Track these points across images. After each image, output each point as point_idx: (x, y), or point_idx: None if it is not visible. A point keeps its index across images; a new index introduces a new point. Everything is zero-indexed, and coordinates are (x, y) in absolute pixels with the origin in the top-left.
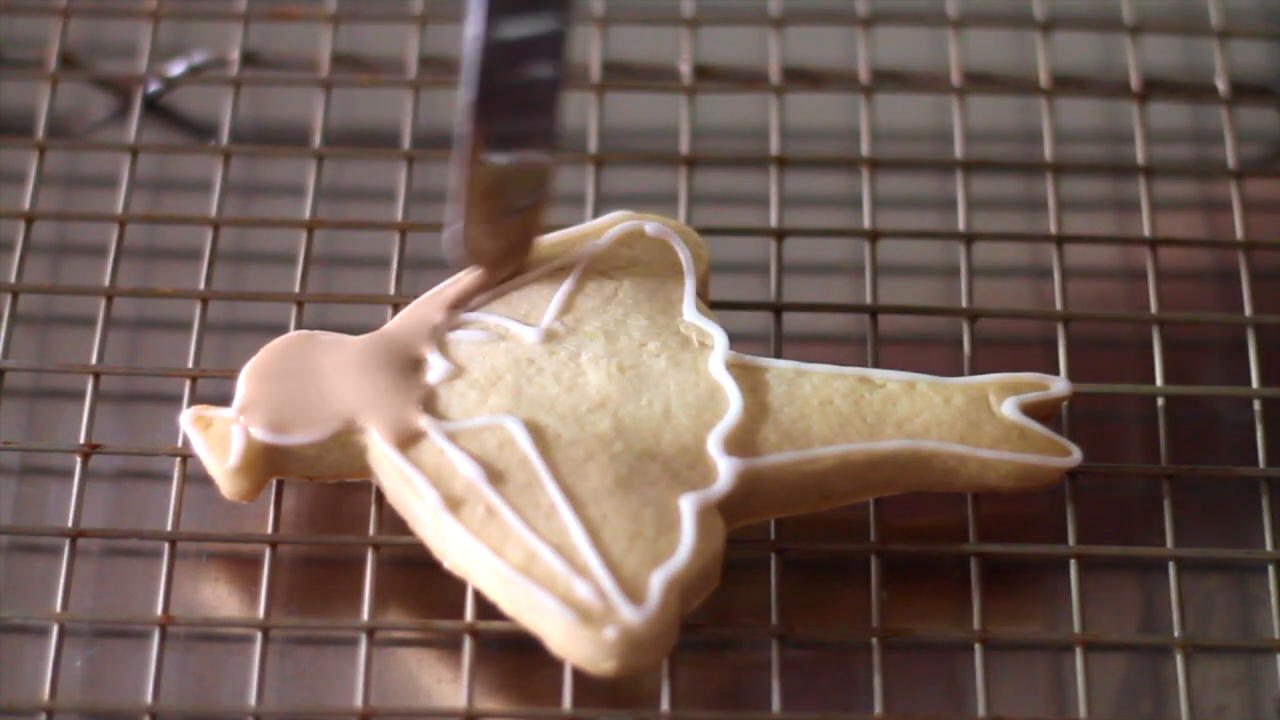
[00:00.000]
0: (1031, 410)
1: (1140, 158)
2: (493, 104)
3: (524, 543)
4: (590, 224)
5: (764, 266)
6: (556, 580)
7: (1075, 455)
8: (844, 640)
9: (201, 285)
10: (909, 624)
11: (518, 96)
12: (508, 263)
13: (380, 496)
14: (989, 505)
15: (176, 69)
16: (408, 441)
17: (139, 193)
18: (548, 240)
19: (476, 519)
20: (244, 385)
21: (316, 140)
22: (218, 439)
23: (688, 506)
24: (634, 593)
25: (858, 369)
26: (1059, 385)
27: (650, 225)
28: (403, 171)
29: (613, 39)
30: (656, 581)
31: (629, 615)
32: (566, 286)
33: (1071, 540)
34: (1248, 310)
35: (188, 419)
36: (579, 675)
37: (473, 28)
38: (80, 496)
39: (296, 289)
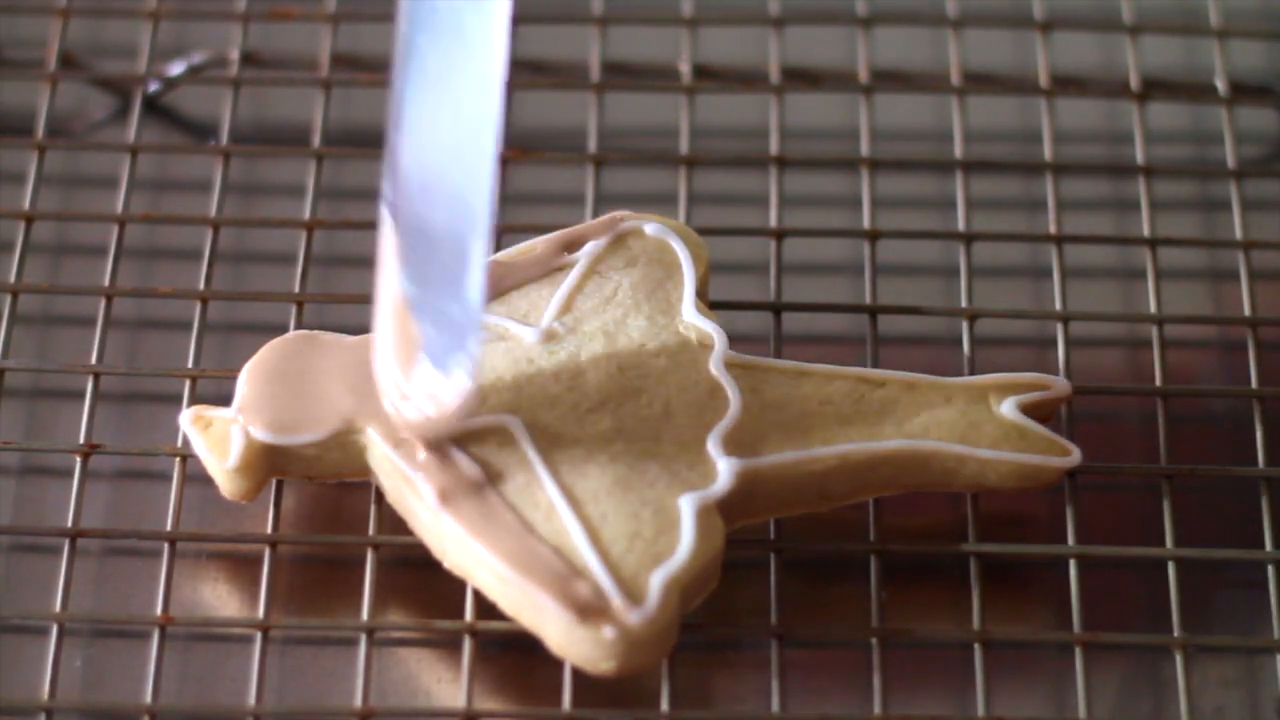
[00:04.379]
0: (1031, 410)
1: (1140, 158)
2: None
3: (524, 542)
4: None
5: (763, 266)
6: (556, 580)
7: (1075, 455)
8: (844, 640)
9: (201, 285)
10: (909, 624)
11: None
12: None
13: (380, 496)
14: (989, 505)
15: (176, 69)
16: (407, 441)
17: (139, 193)
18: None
19: None
20: (244, 385)
21: (316, 140)
22: (217, 439)
23: (687, 506)
24: (633, 593)
25: (858, 369)
26: (1059, 385)
27: (650, 225)
28: None
29: (613, 39)
30: (656, 581)
31: (629, 615)
32: (566, 286)
33: (1071, 540)
34: (1248, 311)
35: (187, 419)
36: (579, 675)
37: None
38: (80, 496)
39: (296, 289)
